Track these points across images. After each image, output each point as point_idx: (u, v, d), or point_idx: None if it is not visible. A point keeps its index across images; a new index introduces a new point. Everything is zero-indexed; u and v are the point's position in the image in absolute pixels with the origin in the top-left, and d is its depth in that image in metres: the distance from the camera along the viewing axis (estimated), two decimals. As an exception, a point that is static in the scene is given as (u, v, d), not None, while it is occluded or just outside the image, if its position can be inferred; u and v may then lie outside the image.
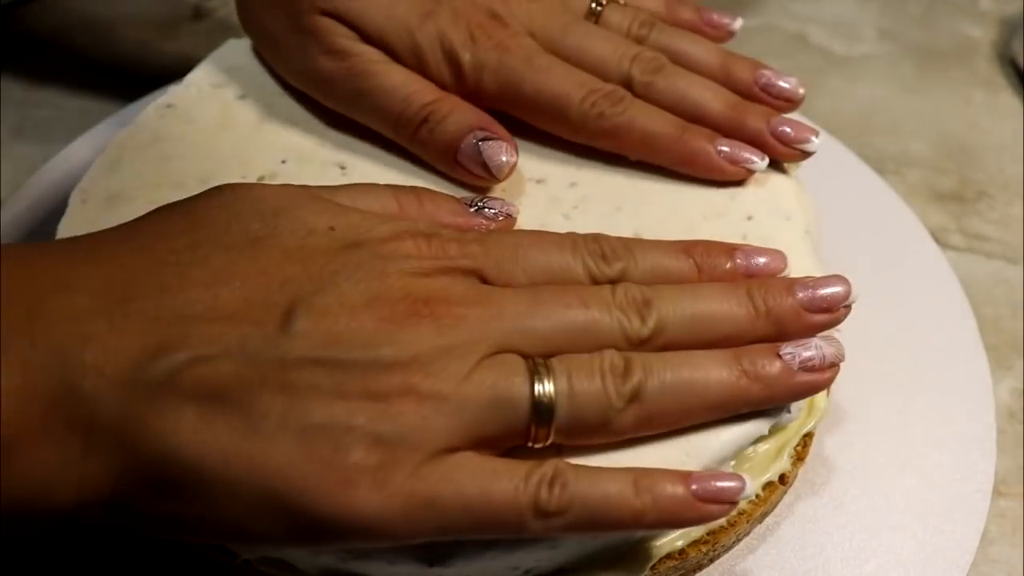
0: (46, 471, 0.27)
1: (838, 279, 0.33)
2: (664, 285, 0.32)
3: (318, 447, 0.27)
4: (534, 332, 0.30)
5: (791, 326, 0.32)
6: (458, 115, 0.39)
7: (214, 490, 0.27)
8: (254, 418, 0.27)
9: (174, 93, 0.42)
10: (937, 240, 0.48)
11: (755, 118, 0.39)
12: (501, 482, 0.28)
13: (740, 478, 0.30)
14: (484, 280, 0.31)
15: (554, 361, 0.30)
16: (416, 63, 0.39)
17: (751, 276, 0.34)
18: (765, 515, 0.37)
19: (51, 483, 0.27)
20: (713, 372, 0.31)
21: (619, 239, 0.33)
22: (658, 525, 0.29)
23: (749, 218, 0.38)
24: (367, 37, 0.39)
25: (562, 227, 0.37)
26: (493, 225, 0.35)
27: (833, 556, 0.37)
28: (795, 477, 0.38)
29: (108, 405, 0.27)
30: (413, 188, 0.35)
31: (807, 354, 0.32)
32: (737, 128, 0.39)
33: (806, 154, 0.39)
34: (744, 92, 0.40)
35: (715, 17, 0.44)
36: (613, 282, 0.32)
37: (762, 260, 0.34)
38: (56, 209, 0.40)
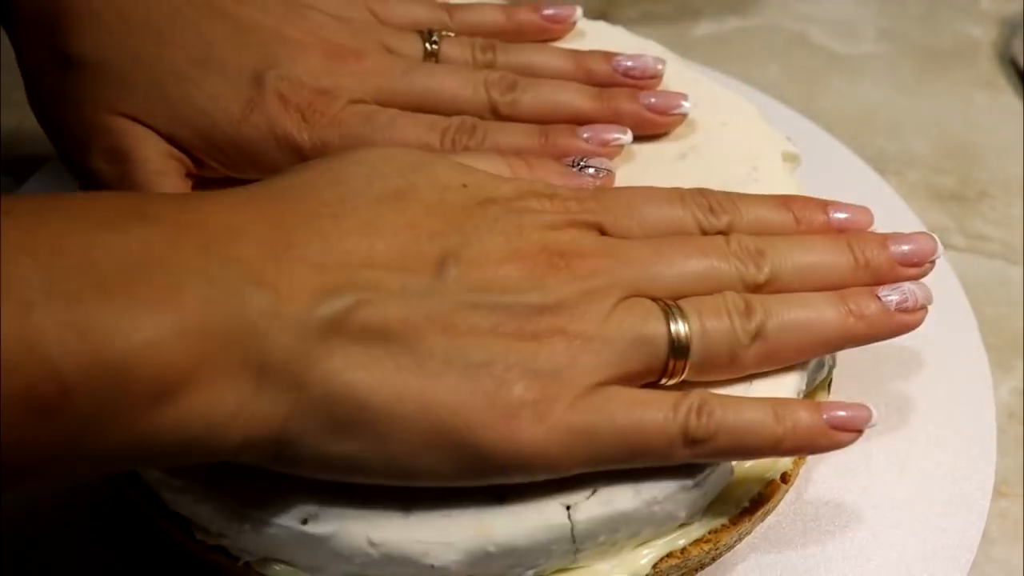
0: (218, 410, 0.27)
1: (925, 236, 0.35)
2: (773, 236, 0.34)
3: (482, 383, 0.29)
4: (660, 279, 0.32)
5: (886, 277, 0.34)
6: None
7: (385, 426, 0.29)
8: (420, 357, 0.29)
9: None
10: (937, 240, 0.48)
11: (626, 101, 0.40)
12: (652, 411, 0.30)
13: (866, 408, 0.32)
14: (603, 233, 0.33)
15: (683, 303, 0.32)
16: (246, 160, 0.37)
17: (842, 230, 0.36)
18: (767, 514, 0.37)
19: (220, 423, 0.27)
20: (825, 311, 0.33)
21: (723, 193, 0.35)
22: (794, 451, 0.32)
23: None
24: (179, 141, 0.37)
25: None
26: (597, 182, 0.37)
27: (835, 555, 0.37)
28: (797, 476, 0.38)
29: (282, 344, 0.28)
30: (518, 154, 0.36)
31: (901, 296, 0.34)
32: (614, 116, 0.40)
33: (683, 116, 0.41)
34: (606, 83, 0.41)
35: (554, 11, 0.44)
36: (722, 233, 0.34)
37: (849, 215, 0.36)
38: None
